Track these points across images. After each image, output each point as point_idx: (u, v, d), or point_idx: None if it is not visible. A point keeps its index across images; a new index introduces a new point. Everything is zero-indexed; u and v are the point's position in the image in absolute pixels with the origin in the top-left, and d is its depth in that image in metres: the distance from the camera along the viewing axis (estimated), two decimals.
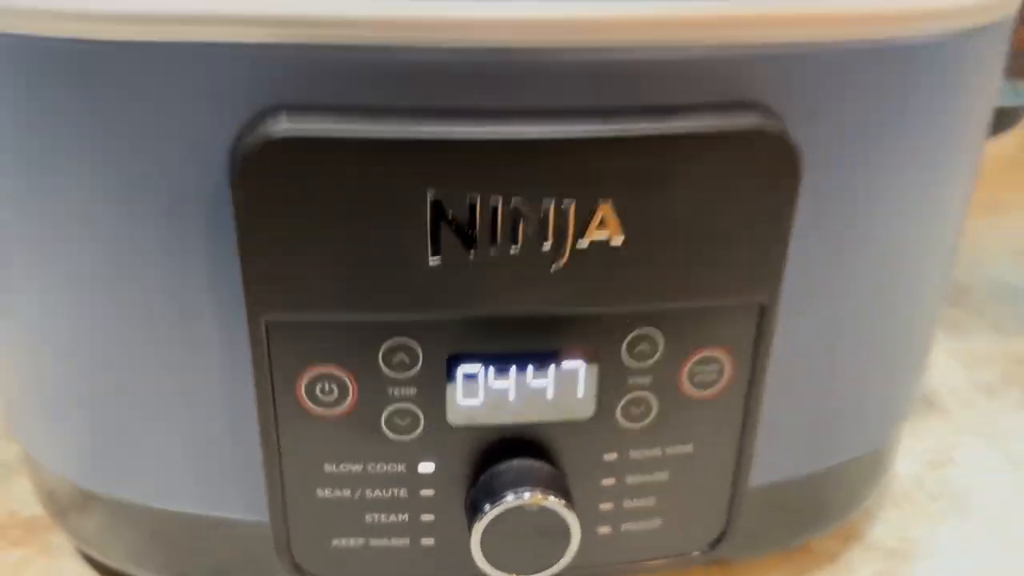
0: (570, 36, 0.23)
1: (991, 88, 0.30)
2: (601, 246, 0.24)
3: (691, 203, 0.24)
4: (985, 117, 0.31)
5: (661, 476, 0.29)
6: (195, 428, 0.28)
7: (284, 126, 0.23)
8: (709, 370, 0.27)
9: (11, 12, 0.23)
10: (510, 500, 0.26)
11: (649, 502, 0.29)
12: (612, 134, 0.23)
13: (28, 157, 0.24)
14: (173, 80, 0.23)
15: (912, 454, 0.43)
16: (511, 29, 0.22)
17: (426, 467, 0.27)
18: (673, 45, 0.23)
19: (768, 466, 0.31)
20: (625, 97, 0.24)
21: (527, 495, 0.26)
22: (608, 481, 0.28)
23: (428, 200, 0.23)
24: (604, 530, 0.29)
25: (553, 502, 0.26)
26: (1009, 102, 0.36)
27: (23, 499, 0.39)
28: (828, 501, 0.35)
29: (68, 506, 0.33)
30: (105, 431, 0.29)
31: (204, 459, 0.28)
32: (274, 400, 0.26)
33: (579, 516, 0.27)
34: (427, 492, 0.28)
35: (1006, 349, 0.52)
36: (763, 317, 0.27)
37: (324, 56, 0.23)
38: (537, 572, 0.28)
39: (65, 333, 0.28)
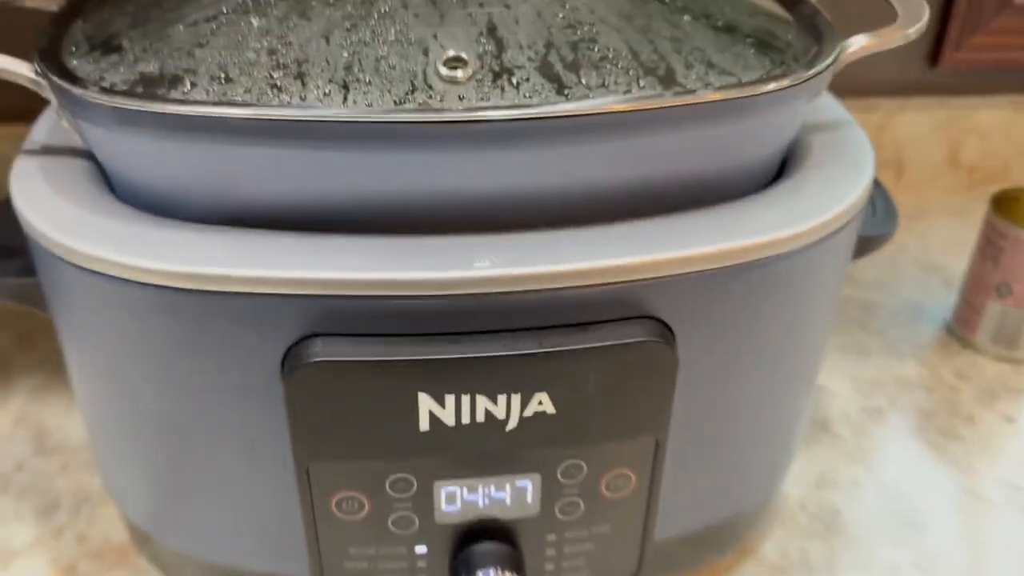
0: (514, 286, 0.33)
1: (843, 263, 0.40)
2: (540, 414, 0.35)
3: (602, 386, 0.35)
4: (839, 282, 0.41)
5: (588, 546, 0.40)
6: (252, 519, 0.39)
7: (318, 352, 0.33)
8: (620, 481, 0.38)
9: (119, 266, 0.33)
10: None
11: (580, 562, 0.41)
12: (545, 350, 0.33)
13: (145, 363, 0.35)
14: (240, 316, 0.33)
15: (802, 476, 0.54)
16: (474, 284, 0.32)
17: (420, 549, 0.39)
18: (592, 283, 0.33)
19: (672, 525, 0.42)
20: (554, 319, 0.34)
21: (492, 572, 0.38)
22: (550, 552, 0.40)
23: (419, 396, 0.34)
24: None
25: None
26: (870, 232, 0.45)
27: (115, 527, 0.51)
28: (727, 536, 0.47)
29: (143, 543, 0.45)
30: (177, 508, 0.41)
31: (259, 536, 0.40)
32: (313, 511, 0.37)
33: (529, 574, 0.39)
34: (422, 564, 0.39)
35: (898, 373, 0.63)
36: (658, 446, 0.38)
37: (345, 302, 0.33)
38: None
39: (156, 440, 0.39)
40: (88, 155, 0.39)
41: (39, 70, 0.36)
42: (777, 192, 0.37)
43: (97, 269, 0.34)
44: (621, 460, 0.38)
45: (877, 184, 0.48)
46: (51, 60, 0.36)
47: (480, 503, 0.38)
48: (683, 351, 0.35)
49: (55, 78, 0.34)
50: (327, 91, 0.33)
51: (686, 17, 0.37)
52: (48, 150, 0.40)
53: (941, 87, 0.81)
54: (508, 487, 0.37)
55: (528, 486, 0.38)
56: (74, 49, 0.37)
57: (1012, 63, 0.80)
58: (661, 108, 0.33)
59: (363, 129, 0.32)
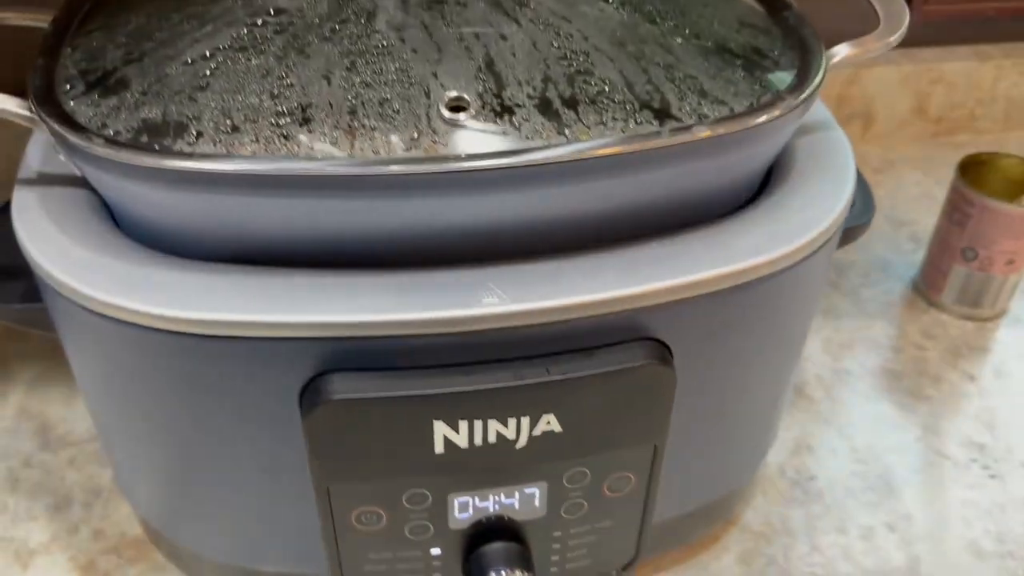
0: (522, 320, 0.34)
1: (827, 264, 0.42)
2: (548, 433, 0.37)
3: (605, 405, 0.37)
4: (824, 280, 0.43)
5: (591, 538, 0.43)
6: (273, 529, 0.41)
7: (334, 390, 0.34)
8: (621, 483, 0.41)
9: (132, 312, 0.34)
10: None
11: (583, 553, 0.43)
12: (553, 378, 0.35)
13: (159, 398, 0.36)
14: (255, 357, 0.34)
15: (781, 443, 0.58)
16: (484, 320, 0.34)
17: (435, 551, 0.41)
18: (596, 313, 0.35)
19: (667, 510, 0.45)
20: (560, 345, 0.35)
21: (503, 572, 0.40)
22: (556, 546, 0.43)
23: (433, 424, 0.36)
24: (554, 570, 0.44)
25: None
26: (850, 224, 0.47)
27: (130, 520, 0.52)
28: (717, 510, 0.50)
29: (158, 539, 0.47)
30: (195, 518, 0.43)
31: (279, 542, 0.42)
32: (334, 525, 0.39)
33: (537, 567, 0.42)
34: (437, 564, 0.42)
35: (866, 333, 0.66)
36: (655, 451, 0.40)
37: (358, 343, 0.34)
38: None
39: (171, 458, 0.40)
40: (87, 183, 0.39)
41: (35, 111, 0.36)
42: (766, 209, 0.39)
43: (109, 314, 0.34)
44: (622, 465, 0.40)
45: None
46: (48, 103, 0.35)
47: (491, 509, 0.40)
48: (680, 366, 0.37)
49: (55, 125, 0.34)
50: (334, 138, 0.33)
51: (677, 39, 0.38)
52: (45, 178, 0.40)
53: (910, 39, 0.82)
54: (517, 494, 0.40)
55: (536, 493, 0.40)
56: (68, 88, 0.37)
57: (979, 14, 0.81)
58: (657, 148, 0.34)
59: (371, 180, 0.32)
